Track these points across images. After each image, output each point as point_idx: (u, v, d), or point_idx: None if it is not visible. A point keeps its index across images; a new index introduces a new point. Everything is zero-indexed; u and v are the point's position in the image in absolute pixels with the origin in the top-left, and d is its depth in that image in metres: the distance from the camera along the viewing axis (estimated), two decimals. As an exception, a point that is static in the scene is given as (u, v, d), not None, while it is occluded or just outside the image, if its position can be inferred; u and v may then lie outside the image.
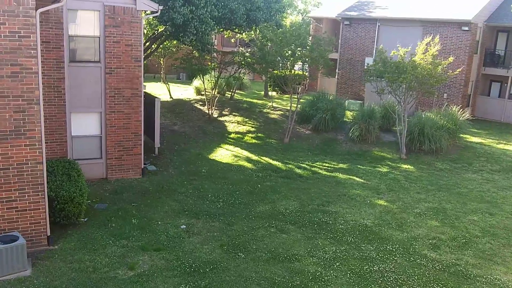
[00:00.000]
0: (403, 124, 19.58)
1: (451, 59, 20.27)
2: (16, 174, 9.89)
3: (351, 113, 23.55)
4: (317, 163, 18.60)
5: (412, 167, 18.53)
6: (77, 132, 14.72)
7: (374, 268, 10.54)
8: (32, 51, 9.66)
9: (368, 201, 14.72)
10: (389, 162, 19.02)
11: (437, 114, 21.36)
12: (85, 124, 14.89)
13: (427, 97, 22.73)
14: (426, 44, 19.61)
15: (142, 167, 15.83)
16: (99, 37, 14.55)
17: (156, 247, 10.90)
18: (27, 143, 9.90)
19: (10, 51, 9.45)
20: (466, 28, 25.35)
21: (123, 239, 11.20)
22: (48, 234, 10.50)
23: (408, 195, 15.47)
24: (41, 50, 10.83)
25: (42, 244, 10.40)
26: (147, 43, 22.77)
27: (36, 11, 9.68)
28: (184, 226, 12.15)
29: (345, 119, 22.86)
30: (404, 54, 19.57)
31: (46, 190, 10.33)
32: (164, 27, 19.89)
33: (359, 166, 18.46)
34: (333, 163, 18.74)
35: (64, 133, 14.41)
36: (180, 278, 9.65)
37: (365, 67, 22.74)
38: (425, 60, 19.14)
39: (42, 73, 10.94)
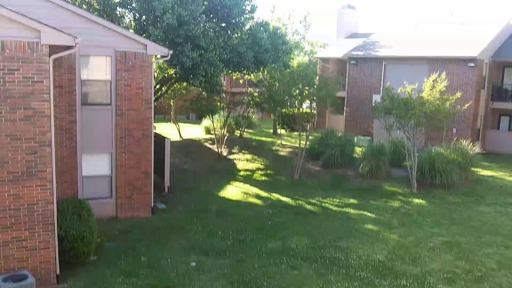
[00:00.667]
0: (413, 159, 19.55)
1: (458, 94, 20.38)
2: (27, 214, 10.01)
3: (361, 149, 23.58)
4: (328, 199, 18.52)
5: (424, 201, 18.35)
6: (88, 172, 14.93)
7: (388, 303, 10.32)
8: (45, 95, 9.96)
9: (381, 236, 14.54)
10: (400, 197, 18.87)
11: (447, 148, 21.33)
12: (96, 165, 15.11)
13: (436, 132, 22.75)
14: (433, 81, 19.82)
15: (152, 205, 15.90)
16: (110, 81, 14.97)
17: (166, 285, 10.81)
18: (39, 183, 10.07)
19: (24, 96, 9.76)
20: (472, 65, 25.62)
21: (133, 277, 11.15)
22: (58, 272, 10.50)
23: (421, 229, 15.26)
24: (54, 94, 11.19)
25: (51, 282, 10.38)
26: (158, 86, 23.31)
27: (49, 57, 10.03)
28: (194, 264, 12.08)
29: (354, 155, 22.90)
30: (411, 91, 19.76)
31: (56, 230, 10.42)
32: (174, 70, 20.44)
33: (370, 201, 18.33)
34: (343, 198, 18.65)
35: (75, 173, 14.63)
36: (189, 316, 9.53)
37: (373, 104, 22.94)
38: (433, 96, 19.29)
39: (54, 116, 11.24)
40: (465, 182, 20.26)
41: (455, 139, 24.10)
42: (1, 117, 9.63)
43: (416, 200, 18.45)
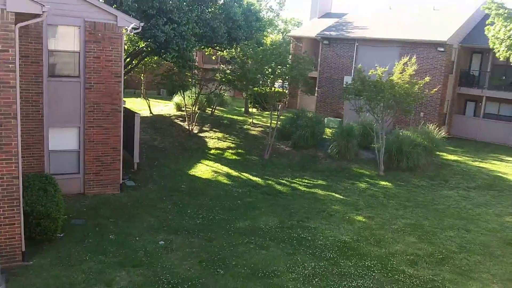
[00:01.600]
0: (381, 141, 19.88)
1: (427, 79, 20.76)
2: (-9, 188, 9.72)
3: (331, 131, 23.82)
4: (297, 179, 18.70)
5: (390, 184, 18.77)
6: (55, 147, 14.55)
7: (353, 284, 10.59)
8: (10, 65, 9.59)
9: (347, 217, 14.83)
10: (367, 179, 19.23)
11: (414, 132, 21.77)
12: (63, 139, 14.73)
13: (404, 115, 23.17)
14: (404, 64, 20.06)
15: (121, 182, 15.68)
16: (79, 52, 14.50)
17: (134, 263, 10.76)
18: (3, 157, 9.75)
19: (-12, 65, 9.37)
20: (442, 49, 26.05)
21: (100, 255, 11.04)
22: (23, 249, 10.29)
23: (386, 211, 15.64)
24: (19, 64, 10.74)
25: (16, 259, 10.17)
26: (128, 59, 22.76)
27: (15, 25, 9.63)
28: (163, 242, 12.04)
29: (324, 136, 23.10)
30: (382, 73, 19.98)
31: (21, 205, 10.16)
32: (145, 43, 19.95)
33: (338, 182, 18.62)
34: (312, 179, 18.87)
35: (42, 147, 14.23)
36: (158, 295, 9.54)
37: (344, 86, 23.11)
38: (403, 79, 19.56)
39: (20, 87, 10.83)
40: (430, 165, 20.79)
41: (422, 123, 24.63)
42: (-37, 87, 9.22)
43: (383, 183, 18.85)
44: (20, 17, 9.87)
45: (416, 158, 20.03)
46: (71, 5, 13.94)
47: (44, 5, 9.79)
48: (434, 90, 22.73)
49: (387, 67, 20.52)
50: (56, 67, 14.48)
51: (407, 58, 20.70)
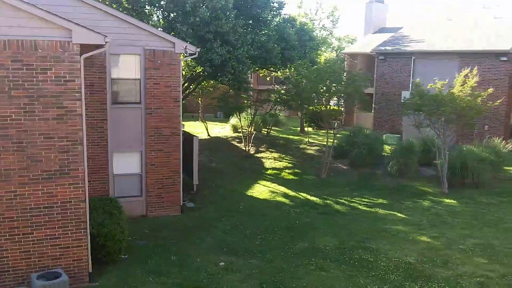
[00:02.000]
0: (443, 157, 19.14)
1: (490, 90, 19.89)
2: (60, 212, 10.19)
3: (389, 147, 23.24)
4: (356, 198, 18.32)
5: (454, 201, 17.97)
6: (119, 171, 15.13)
7: (419, 307, 10.13)
8: (76, 94, 10.09)
9: (410, 237, 14.30)
10: (430, 197, 18.52)
11: (478, 146, 20.82)
12: (126, 163, 15.30)
13: (467, 129, 22.24)
14: (464, 76, 19.35)
15: (181, 204, 16.02)
16: (139, 80, 15.11)
17: (195, 285, 10.86)
18: (71, 181, 10.22)
19: (56, 95, 9.90)
20: (505, 59, 24.91)
21: (162, 276, 11.25)
22: (90, 270, 10.68)
23: (452, 230, 14.94)
24: (85, 93, 11.33)
25: (84, 280, 10.56)
26: (186, 84, 23.44)
27: (80, 56, 10.16)
28: (223, 263, 12.11)
29: (383, 154, 22.57)
30: (441, 86, 19.35)
31: (88, 228, 10.59)
32: (201, 67, 20.50)
33: (399, 201, 18.05)
34: (372, 198, 18.41)
35: (106, 172, 14.85)
36: (219, 317, 9.56)
37: (402, 101, 22.56)
38: (464, 92, 18.84)
39: (86, 114, 11.40)
40: (497, 181, 19.76)
41: (487, 136, 23.52)
42: (35, 116, 9.79)
43: (447, 200, 18.07)
44: (84, 48, 10.42)
45: (482, 174, 19.11)
46: (132, 35, 14.59)
47: (106, 36, 10.30)
48: (498, 101, 21.68)
49: (446, 80, 19.85)
50: (119, 94, 15.14)
51: (468, 69, 19.95)
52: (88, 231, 10.58)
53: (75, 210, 10.31)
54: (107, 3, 19.91)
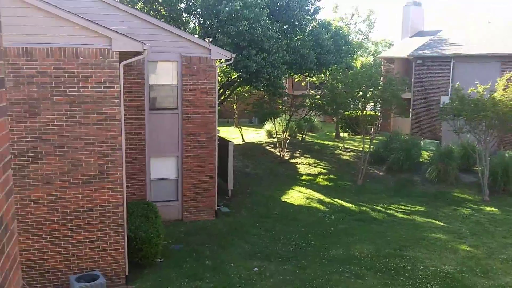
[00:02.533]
0: (484, 163, 18.55)
1: (534, 94, 19.15)
2: (99, 215, 10.47)
3: (428, 153, 22.72)
4: (393, 205, 17.98)
5: (496, 209, 17.37)
6: (156, 175, 15.41)
7: (458, 318, 9.84)
8: (116, 101, 10.37)
9: (449, 246, 13.91)
10: (470, 204, 17.98)
11: (522, 153, 20.07)
12: (163, 168, 15.57)
13: (510, 135, 21.48)
14: (507, 80, 18.72)
15: (216, 209, 16.16)
16: (176, 86, 15.36)
17: (229, 290, 10.93)
18: (110, 186, 10.49)
19: (96, 101, 10.21)
20: (550, 61, 23.94)
21: (197, 280, 11.36)
22: (127, 273, 10.90)
23: (494, 239, 14.45)
24: (124, 99, 11.61)
25: (120, 283, 10.80)
26: (221, 90, 23.65)
27: (119, 63, 10.44)
28: (257, 269, 12.12)
29: (421, 160, 22.08)
30: (482, 91, 18.79)
31: (126, 231, 10.81)
32: (237, 74, 20.64)
33: (438, 208, 17.60)
34: (409, 205, 18.03)
35: (144, 176, 15.15)
36: (252, 322, 9.56)
37: (441, 106, 22.02)
38: (506, 96, 18.23)
39: (124, 120, 11.68)
40: (542, 189, 18.96)
41: (531, 143, 22.65)
42: (76, 121, 10.12)
43: (488, 208, 17.50)
44: (123, 55, 10.69)
45: (525, 182, 18.41)
46: (169, 42, 14.86)
47: (144, 43, 10.54)
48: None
49: (488, 84, 19.26)
50: (156, 101, 15.44)
51: (511, 73, 19.28)
52: (126, 234, 10.81)
53: (113, 213, 10.56)
54: (145, 10, 20.41)
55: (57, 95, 9.92)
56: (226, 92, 25.14)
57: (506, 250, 13.58)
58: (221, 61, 16.25)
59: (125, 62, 10.95)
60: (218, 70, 16.75)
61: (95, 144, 10.31)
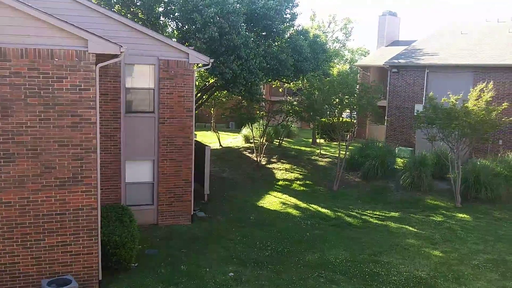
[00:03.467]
0: (457, 171, 18.96)
1: (505, 105, 19.72)
2: (72, 219, 10.28)
3: (402, 161, 23.09)
4: (368, 211, 18.19)
5: (468, 216, 17.75)
6: (131, 179, 15.24)
7: (430, 323, 9.99)
8: (91, 103, 10.23)
9: (422, 252, 14.14)
10: (443, 211, 18.32)
11: (493, 161, 20.57)
12: (138, 171, 15.41)
13: (481, 143, 22.01)
14: (480, 91, 19.22)
15: (192, 213, 16.05)
16: (153, 89, 15.26)
17: (204, 295, 10.86)
18: (84, 189, 10.32)
19: (71, 103, 10.05)
20: (520, 73, 24.65)
21: (172, 285, 11.25)
22: (100, 278, 10.71)
23: (465, 245, 14.74)
24: (99, 102, 11.47)
25: (93, 288, 10.63)
26: (199, 94, 23.61)
27: (96, 65, 10.32)
28: (232, 274, 12.08)
29: (395, 167, 22.42)
30: (455, 100, 19.23)
31: (99, 235, 10.65)
32: (214, 78, 20.63)
33: (411, 215, 17.88)
34: (384, 211, 18.27)
35: (119, 180, 14.97)
36: (227, 327, 9.52)
37: (415, 114, 22.45)
38: (478, 106, 18.70)
39: (100, 123, 11.53)
40: (511, 196, 19.48)
41: (501, 151, 23.25)
42: (50, 123, 9.95)
43: (460, 215, 17.86)
44: (100, 57, 10.57)
45: (496, 189, 18.85)
46: (146, 45, 14.77)
47: (121, 46, 10.44)
48: (514, 116, 21.44)
49: (461, 94, 19.73)
50: (133, 104, 15.30)
51: (484, 84, 19.80)
52: (99, 238, 10.64)
53: (87, 217, 10.39)
54: (123, 13, 20.24)
55: (31, 96, 9.74)
56: (204, 97, 25.10)
57: (477, 256, 13.87)
58: (199, 65, 16.21)
59: (101, 64, 10.83)
60: (195, 74, 16.72)
61: (69, 146, 10.14)
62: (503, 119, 19.45)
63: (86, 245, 10.44)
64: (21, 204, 9.88)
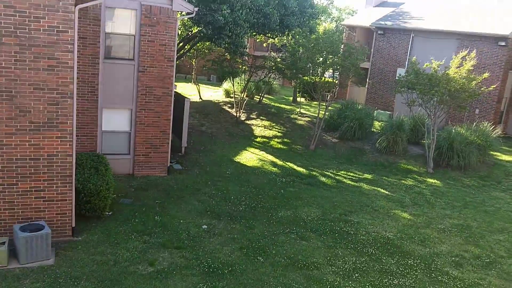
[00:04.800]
0: (432, 137, 19.29)
1: (486, 74, 19.90)
2: (46, 164, 10.17)
3: (380, 124, 23.34)
4: (342, 172, 18.50)
5: (438, 182, 18.23)
6: (108, 128, 15.04)
7: (394, 282, 10.42)
8: (69, 46, 9.93)
9: (392, 214, 14.56)
10: (415, 176, 18.76)
11: (467, 129, 20.97)
12: (115, 120, 15.20)
13: (458, 111, 22.34)
14: (461, 58, 19.29)
15: (168, 165, 16.05)
16: (134, 36, 14.84)
17: (176, 245, 11.03)
18: (59, 135, 10.17)
19: (48, 45, 9.74)
20: (503, 43, 24.78)
21: (145, 235, 11.38)
22: (73, 225, 10.75)
23: (433, 210, 15.22)
24: (77, 45, 11.11)
25: (66, 234, 10.66)
26: (181, 44, 23.08)
27: (75, 7, 9.93)
28: (206, 226, 12.27)
29: (373, 129, 22.68)
30: (437, 67, 19.31)
31: (74, 182, 10.59)
32: (198, 28, 20.12)
33: (384, 177, 18.27)
34: (358, 173, 18.61)
35: (95, 127, 14.75)
36: (198, 278, 9.75)
37: (397, 78, 22.52)
38: (459, 74, 18.83)
39: (77, 68, 11.22)
40: (482, 165, 20.00)
41: (477, 120, 23.67)
42: (25, 65, 9.65)
43: (431, 180, 18.33)
44: (79, -1, 10.18)
45: (467, 157, 19.33)
46: (129, -11, 14.25)
47: (102, -11, 10.04)
48: (493, 86, 21.73)
49: (443, 60, 19.80)
50: (112, 50, 14.89)
51: (466, 52, 19.87)
52: (74, 185, 10.59)
53: (62, 163, 10.29)
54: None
55: (6, 35, 9.37)
56: (186, 47, 24.57)
57: (444, 220, 14.36)
58: (182, 13, 15.76)
59: (81, 6, 10.44)
60: (178, 23, 16.27)
61: (45, 90, 9.90)
62: (482, 89, 19.67)
63: (60, 191, 10.39)
64: (-7, 147, 9.69)
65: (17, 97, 9.69)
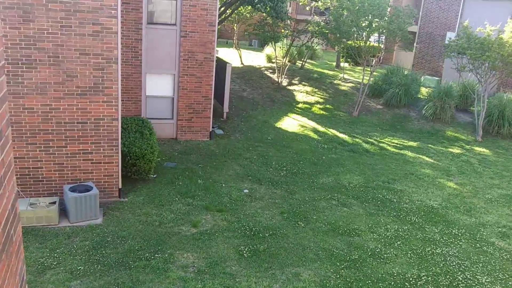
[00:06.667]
0: (482, 104, 18.51)
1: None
2: (93, 128, 10.46)
3: (426, 90, 22.57)
4: (386, 139, 18.13)
5: (487, 150, 17.59)
6: (151, 92, 15.27)
7: (437, 251, 10.25)
8: (112, 11, 9.99)
9: (437, 182, 14.22)
10: (463, 144, 18.17)
11: (521, 96, 19.98)
12: (159, 85, 15.39)
13: (511, 78, 21.25)
14: (516, 21, 18.21)
15: (210, 130, 16.21)
16: (176, 0, 14.79)
17: (219, 208, 11.23)
18: (105, 99, 10.39)
19: (92, 11, 9.83)
20: None
21: (189, 197, 11.64)
22: (120, 186, 11.10)
23: (481, 179, 14.76)
24: (121, 10, 11.20)
25: (113, 195, 11.04)
26: (222, 8, 22.87)
27: (118, -28, 9.96)
28: (247, 191, 12.40)
29: (419, 96, 21.98)
30: (491, 31, 18.32)
31: (120, 145, 10.87)
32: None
33: (430, 145, 17.79)
34: (402, 140, 18.19)
35: (139, 92, 15.00)
36: (240, 240, 9.91)
37: (446, 42, 21.55)
38: (514, 38, 17.81)
39: (121, 33, 11.34)
40: (535, 134, 19.11)
41: (531, 87, 22.50)
42: (71, 31, 9.80)
43: (479, 149, 17.71)
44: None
45: (519, 125, 18.49)
46: (171, -47, 14.13)
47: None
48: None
49: (498, 25, 18.73)
50: (154, 15, 14.93)
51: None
52: (120, 148, 10.87)
53: (108, 127, 10.55)
54: None
55: (52, 1, 9.52)
56: (227, 11, 24.33)
57: (491, 190, 13.91)
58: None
59: (124, -29, 10.44)
60: (221, -13, 16.09)
61: (90, 55, 10.06)
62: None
63: (107, 154, 10.71)
64: (43, 111, 10.03)
65: (64, 62, 9.91)
